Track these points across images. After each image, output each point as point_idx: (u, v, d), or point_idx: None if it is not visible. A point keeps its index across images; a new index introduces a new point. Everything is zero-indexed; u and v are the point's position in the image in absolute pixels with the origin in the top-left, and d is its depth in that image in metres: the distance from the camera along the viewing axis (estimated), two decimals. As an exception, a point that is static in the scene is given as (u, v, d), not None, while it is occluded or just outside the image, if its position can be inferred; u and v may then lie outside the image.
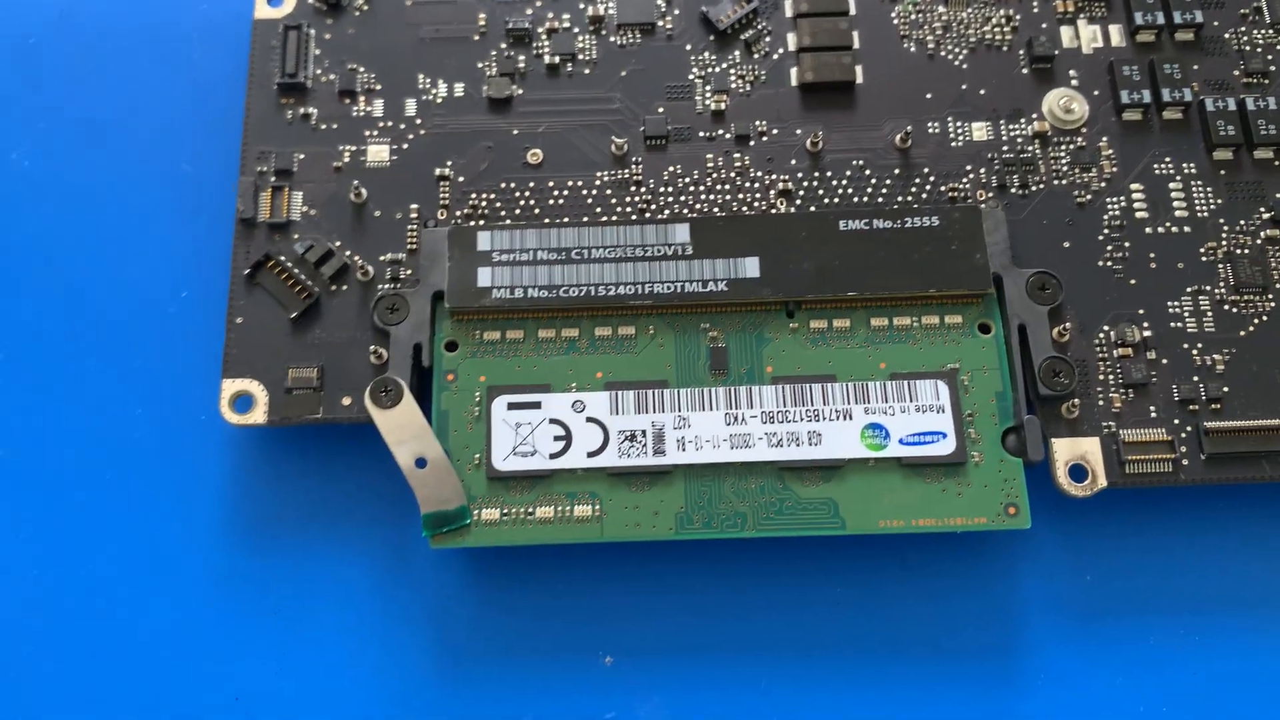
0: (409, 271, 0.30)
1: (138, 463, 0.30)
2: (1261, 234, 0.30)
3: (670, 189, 0.31)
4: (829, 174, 0.31)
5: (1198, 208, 0.30)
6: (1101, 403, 0.28)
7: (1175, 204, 0.31)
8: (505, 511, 0.27)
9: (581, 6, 0.33)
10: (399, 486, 0.28)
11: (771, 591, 0.28)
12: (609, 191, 0.31)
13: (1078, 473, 0.28)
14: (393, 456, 0.27)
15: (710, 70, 0.32)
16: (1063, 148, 0.31)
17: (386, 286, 0.29)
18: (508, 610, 0.28)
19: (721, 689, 0.28)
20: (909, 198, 0.31)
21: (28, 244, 0.32)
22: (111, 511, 0.29)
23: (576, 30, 0.32)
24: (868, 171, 0.31)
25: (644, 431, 0.28)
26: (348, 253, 0.30)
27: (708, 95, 0.32)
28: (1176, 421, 0.28)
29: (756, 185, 0.31)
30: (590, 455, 0.28)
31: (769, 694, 0.28)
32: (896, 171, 0.31)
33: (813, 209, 0.30)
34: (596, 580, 0.28)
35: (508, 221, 0.30)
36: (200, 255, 0.31)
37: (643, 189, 0.31)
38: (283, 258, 0.30)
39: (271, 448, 0.30)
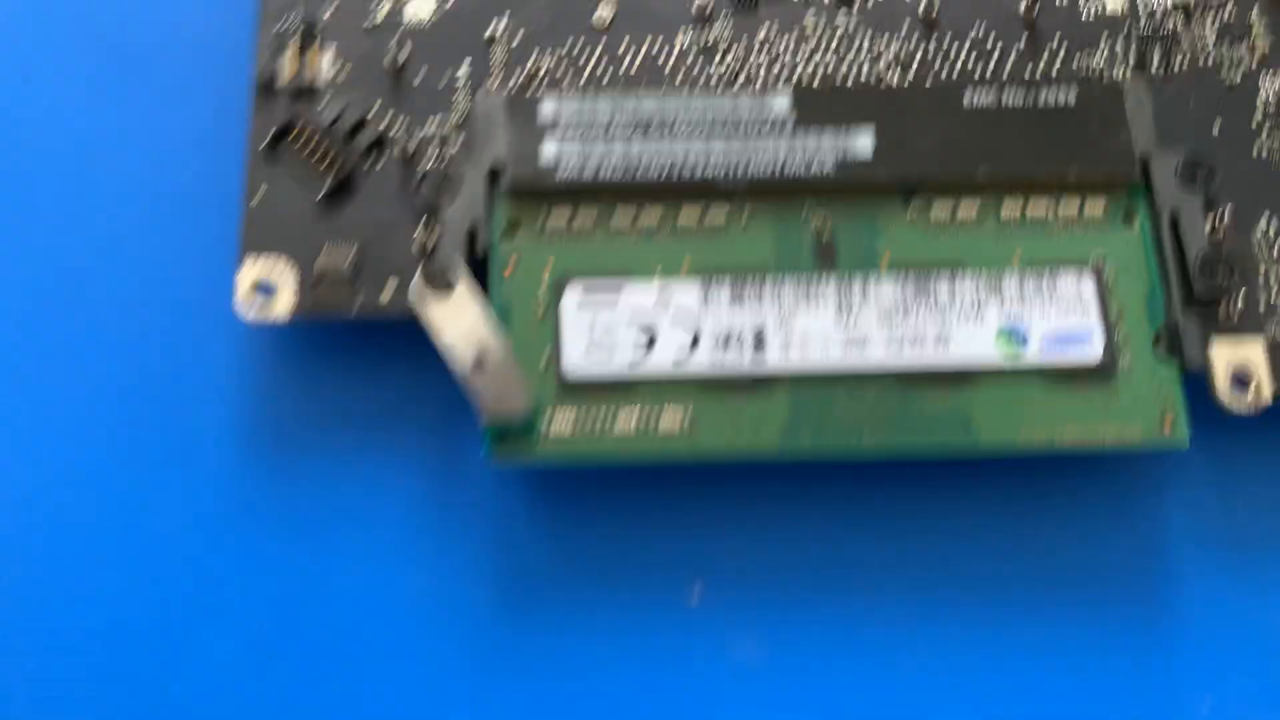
0: (458, 146, 0.25)
1: (144, 367, 0.25)
2: None
3: (761, 56, 0.26)
4: (946, 43, 0.26)
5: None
6: (1263, 308, 0.24)
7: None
8: (579, 422, 0.23)
9: None
10: (450, 393, 0.23)
11: (886, 518, 0.24)
12: (689, 58, 0.26)
13: (1238, 382, 0.24)
14: (445, 356, 0.22)
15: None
16: (1209, 21, 0.27)
17: (431, 164, 0.25)
18: (579, 537, 0.24)
19: (826, 629, 0.24)
20: (1036, 75, 0.26)
21: (19, 122, 0.27)
22: (115, 424, 0.24)
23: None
24: (989, 43, 0.26)
25: (741, 331, 0.24)
26: (385, 122, 0.25)
27: (804, -53, 0.28)
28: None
29: (863, 53, 0.26)
30: (678, 358, 0.23)
31: (883, 635, 0.24)
32: (1021, 45, 0.26)
33: (928, 83, 0.26)
34: (684, 503, 0.24)
35: (573, 90, 0.26)
36: (212, 127, 0.26)
37: (729, 55, 0.26)
38: (309, 127, 0.25)
39: (296, 348, 0.25)
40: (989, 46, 0.27)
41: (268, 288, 0.24)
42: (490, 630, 0.23)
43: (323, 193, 0.24)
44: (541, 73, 0.26)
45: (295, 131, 0.25)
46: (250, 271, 0.24)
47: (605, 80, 0.26)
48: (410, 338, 0.23)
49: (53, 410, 0.25)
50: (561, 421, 0.23)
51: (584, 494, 0.24)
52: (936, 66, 0.26)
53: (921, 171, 0.25)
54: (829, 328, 0.24)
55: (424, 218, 0.24)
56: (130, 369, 0.25)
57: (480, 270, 0.24)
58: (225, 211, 0.25)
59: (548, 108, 0.25)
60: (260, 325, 0.24)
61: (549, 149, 0.25)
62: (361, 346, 0.25)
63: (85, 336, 0.25)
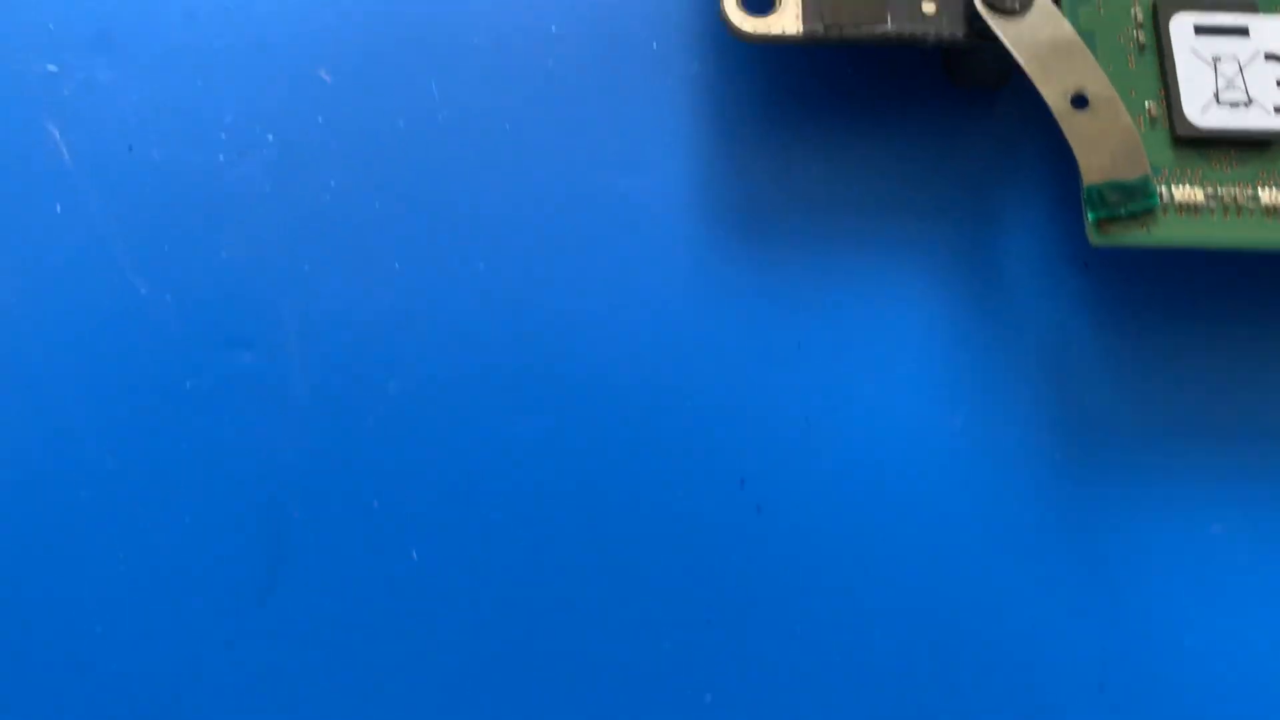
0: None
1: (591, 101, 0.18)
2: None
3: None
4: None
5: None
6: None
7: None
8: (1212, 191, 0.17)
9: None
10: (989, 159, 0.17)
11: None
12: None
13: None
14: (1022, 95, 0.16)
15: None
16: None
17: None
18: (1174, 363, 0.17)
19: None
20: None
21: None
22: (571, 172, 0.18)
23: None
24: None
25: None
26: None
27: None
28: None
29: None
30: (1343, 111, 0.18)
31: None
32: None
33: None
34: None
35: None
36: None
37: None
38: None
39: (799, 79, 0.19)
40: None
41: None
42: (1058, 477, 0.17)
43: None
44: None
45: None
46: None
47: None
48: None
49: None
50: (1187, 189, 0.17)
51: (1183, 295, 0.17)
52: None
53: None
54: None
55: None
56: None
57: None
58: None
59: None
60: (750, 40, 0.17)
61: None
62: (880, 83, 0.18)
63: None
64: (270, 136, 0.18)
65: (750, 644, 0.16)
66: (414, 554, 0.16)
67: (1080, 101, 0.16)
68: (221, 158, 0.18)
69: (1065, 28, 0.17)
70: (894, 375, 0.18)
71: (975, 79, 0.19)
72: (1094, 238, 0.16)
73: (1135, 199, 0.16)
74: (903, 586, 0.17)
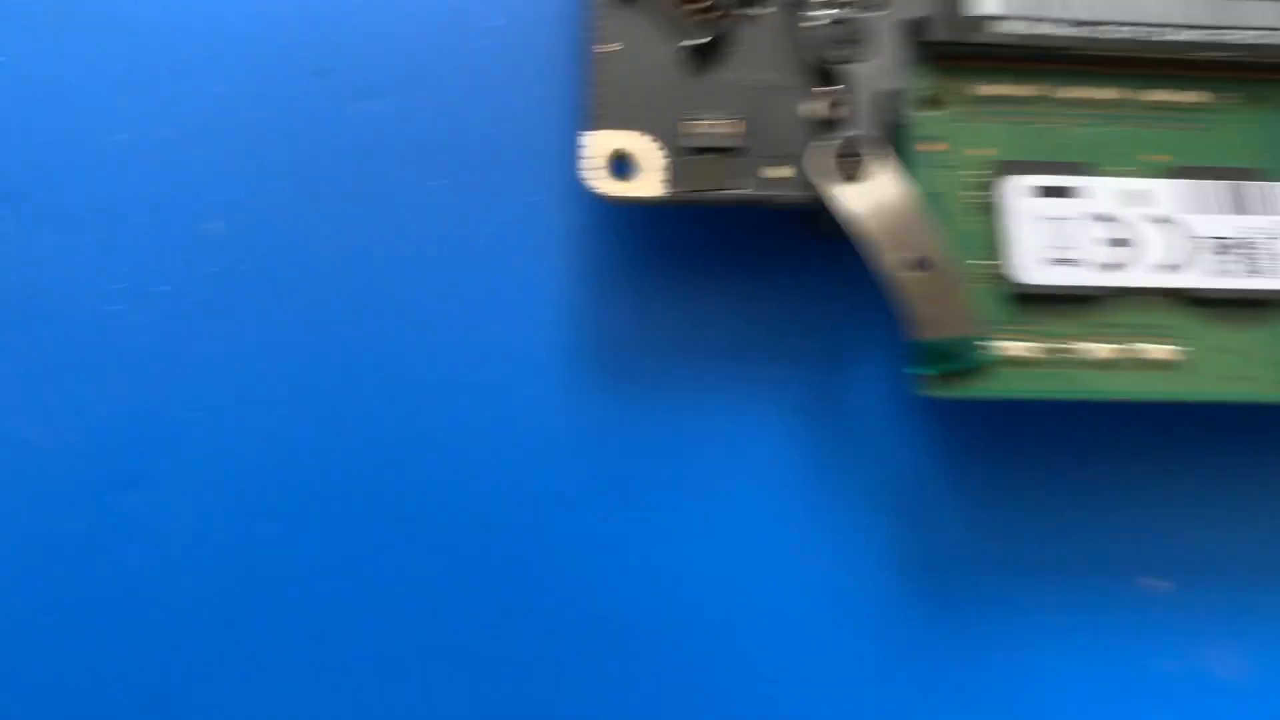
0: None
1: (471, 252, 0.20)
2: None
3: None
4: None
5: None
6: None
7: None
8: (1040, 346, 0.18)
9: None
10: (839, 306, 0.19)
11: None
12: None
13: None
14: (863, 254, 0.17)
15: None
16: None
17: (830, 12, 0.19)
18: (1010, 501, 0.19)
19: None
20: None
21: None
22: (439, 315, 0.19)
23: None
24: None
25: (1242, 241, 0.19)
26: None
27: None
28: None
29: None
30: (1165, 270, 0.18)
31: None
32: None
33: None
34: (1156, 464, 0.19)
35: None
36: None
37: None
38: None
39: (664, 233, 0.20)
40: None
41: (626, 163, 0.18)
42: (888, 612, 0.18)
43: (691, 43, 0.19)
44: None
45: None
46: (606, 141, 0.18)
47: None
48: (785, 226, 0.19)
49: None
50: (1016, 343, 0.18)
51: (1020, 440, 0.19)
52: None
53: None
54: (1351, 243, 0.19)
55: (820, 79, 0.19)
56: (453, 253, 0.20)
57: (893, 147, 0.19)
58: (564, 68, 0.20)
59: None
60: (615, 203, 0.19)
61: None
62: (736, 235, 0.20)
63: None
64: (164, 288, 0.19)
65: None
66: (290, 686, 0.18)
67: (914, 264, 0.18)
68: (117, 308, 0.19)
69: (908, 193, 0.18)
70: (748, 509, 0.19)
71: (827, 231, 0.20)
72: (926, 390, 0.18)
73: (963, 355, 0.18)
74: (753, 711, 0.18)
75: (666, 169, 0.19)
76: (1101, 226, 0.18)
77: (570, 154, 0.19)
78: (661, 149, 0.19)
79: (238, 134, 0.20)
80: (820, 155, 0.18)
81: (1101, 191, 0.19)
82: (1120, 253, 0.18)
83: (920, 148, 0.19)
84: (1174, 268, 0.18)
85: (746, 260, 0.20)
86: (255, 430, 0.18)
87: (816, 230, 0.20)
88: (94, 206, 0.19)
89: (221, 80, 0.20)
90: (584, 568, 0.18)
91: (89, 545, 0.18)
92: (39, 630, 0.17)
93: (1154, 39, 0.19)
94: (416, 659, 0.18)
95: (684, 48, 0.19)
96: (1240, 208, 0.18)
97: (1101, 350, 0.18)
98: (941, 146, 0.19)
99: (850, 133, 0.18)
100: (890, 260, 0.18)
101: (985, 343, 0.18)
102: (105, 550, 0.18)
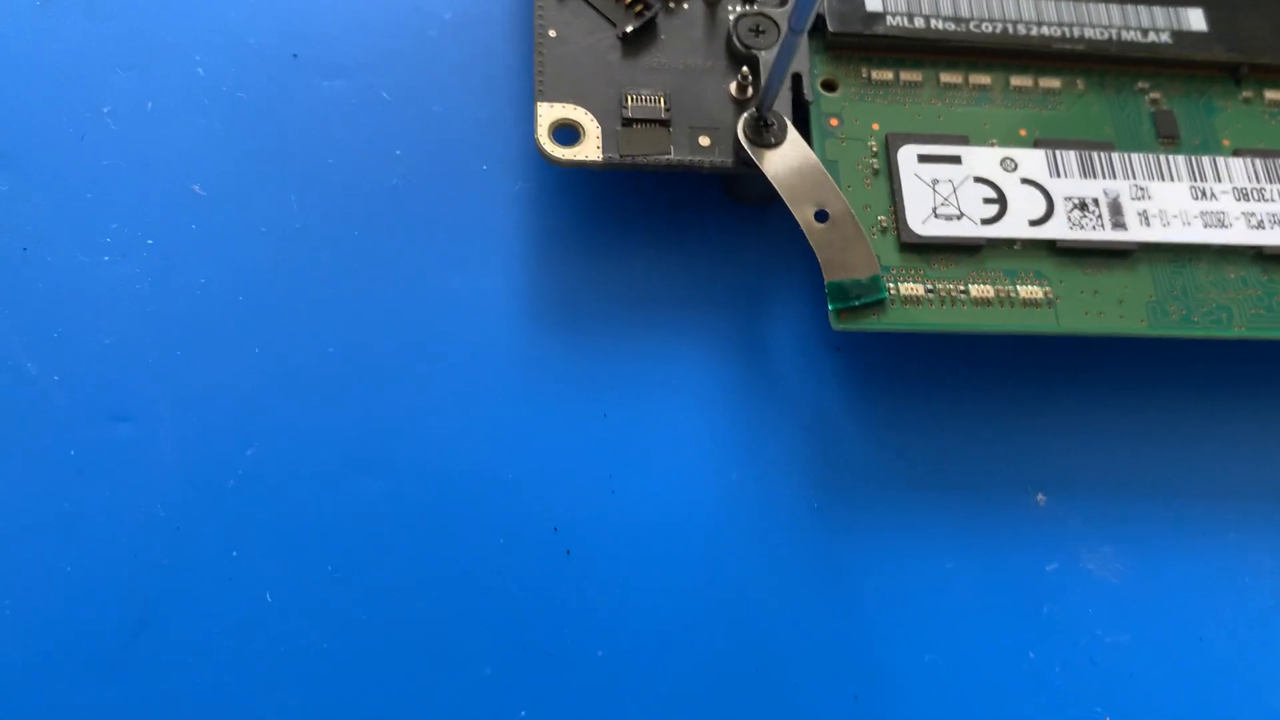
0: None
1: (430, 213, 0.22)
2: None
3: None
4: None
5: None
6: None
7: None
8: (930, 287, 0.21)
9: None
10: (760, 260, 0.21)
11: (1251, 417, 0.22)
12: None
13: None
14: (784, 209, 0.20)
15: None
16: None
17: (742, 7, 0.22)
18: (909, 427, 0.21)
19: (1187, 539, 0.21)
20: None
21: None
22: (403, 269, 0.21)
23: None
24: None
25: (1096, 200, 0.22)
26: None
27: None
28: None
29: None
30: (1033, 224, 0.21)
31: (1244, 549, 0.21)
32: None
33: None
34: (1034, 393, 0.22)
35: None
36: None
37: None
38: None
39: (602, 198, 0.22)
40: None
41: (571, 131, 0.21)
42: (802, 525, 0.20)
43: (625, 30, 0.22)
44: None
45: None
46: (550, 111, 0.21)
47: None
48: (713, 190, 0.21)
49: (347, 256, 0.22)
50: (911, 285, 0.21)
51: (915, 374, 0.21)
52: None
53: (1258, 50, 0.22)
54: (1185, 201, 0.22)
55: (735, 63, 0.22)
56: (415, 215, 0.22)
57: (799, 123, 0.21)
58: (517, 49, 0.22)
59: (866, -43, 0.23)
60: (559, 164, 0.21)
61: None
62: (667, 196, 0.22)
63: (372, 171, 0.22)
64: (150, 241, 0.21)
65: (562, 666, 0.19)
66: (268, 596, 0.19)
67: (822, 216, 0.20)
68: (106, 259, 0.20)
69: (811, 157, 0.21)
70: (682, 438, 0.21)
71: (749, 197, 0.23)
72: (835, 323, 0.20)
73: (868, 292, 0.20)
74: (689, 614, 0.20)
75: (604, 137, 0.21)
76: (981, 187, 0.21)
77: (516, 129, 0.22)
78: (599, 121, 0.21)
79: (218, 106, 0.22)
80: (741, 126, 0.21)
81: (980, 158, 0.22)
82: (995, 209, 0.21)
83: (831, 124, 0.22)
84: (1040, 222, 0.21)
85: (677, 220, 0.22)
86: (231, 366, 0.20)
87: (742, 196, 0.23)
88: (85, 171, 0.21)
89: (204, 60, 0.22)
90: (542, 488, 0.20)
91: (84, 469, 0.19)
92: (37, 548, 0.19)
93: (1019, 34, 0.23)
94: (385, 571, 0.19)
95: (619, 34, 0.22)
96: (1092, 173, 0.22)
97: (982, 291, 0.21)
98: (833, 122, 0.22)
99: (761, 108, 0.21)
100: (801, 214, 0.20)
101: (883, 284, 0.20)
102: (98, 474, 0.19)
